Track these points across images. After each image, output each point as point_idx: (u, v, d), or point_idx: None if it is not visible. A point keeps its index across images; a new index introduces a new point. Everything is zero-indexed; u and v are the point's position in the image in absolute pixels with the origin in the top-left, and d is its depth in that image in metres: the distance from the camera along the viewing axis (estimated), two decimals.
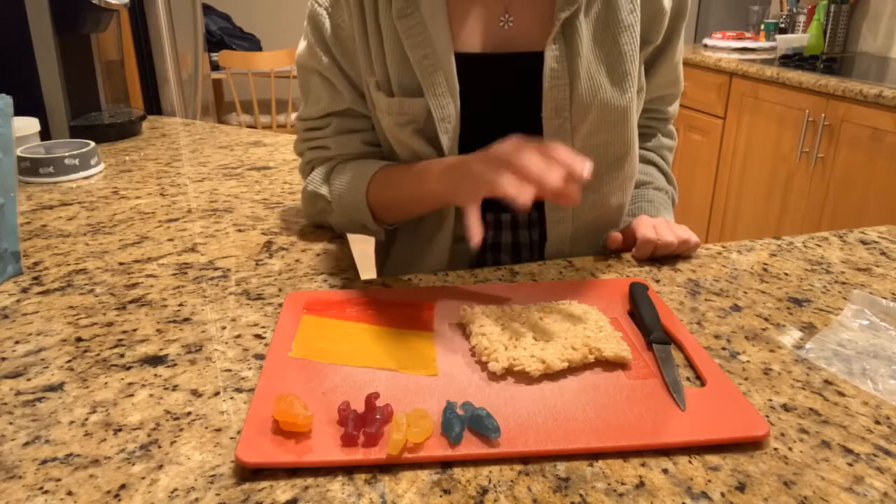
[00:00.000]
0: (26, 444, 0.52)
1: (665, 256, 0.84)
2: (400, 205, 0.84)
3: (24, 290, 0.77)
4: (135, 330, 0.68)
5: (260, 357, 0.63)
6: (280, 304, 0.73)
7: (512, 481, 0.47)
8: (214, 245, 0.90)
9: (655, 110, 0.98)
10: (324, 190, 0.88)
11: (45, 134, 1.40)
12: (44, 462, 0.50)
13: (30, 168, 1.20)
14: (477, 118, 0.81)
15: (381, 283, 0.78)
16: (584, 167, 0.62)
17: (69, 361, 0.63)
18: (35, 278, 0.80)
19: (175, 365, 0.62)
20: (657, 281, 0.79)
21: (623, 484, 0.47)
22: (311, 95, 0.89)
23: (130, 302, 0.74)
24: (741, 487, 0.47)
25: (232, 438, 0.52)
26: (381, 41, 0.80)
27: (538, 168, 0.62)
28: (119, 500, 0.46)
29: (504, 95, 0.82)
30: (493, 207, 0.86)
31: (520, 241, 0.89)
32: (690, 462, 0.49)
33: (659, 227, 0.84)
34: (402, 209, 0.85)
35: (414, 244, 0.92)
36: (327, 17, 0.83)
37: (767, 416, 0.54)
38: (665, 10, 0.82)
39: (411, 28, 0.78)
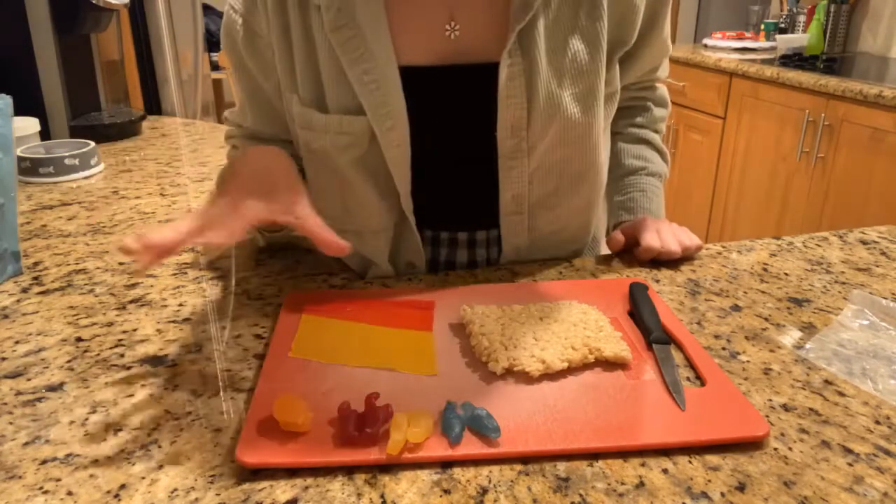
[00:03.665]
0: (26, 444, 0.52)
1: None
2: None
3: (24, 290, 0.77)
4: (135, 330, 0.68)
5: (260, 357, 0.63)
6: (280, 304, 0.73)
7: (512, 481, 0.47)
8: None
9: (645, 80, 0.92)
10: None
11: (45, 134, 1.40)
12: (44, 462, 0.50)
13: (30, 168, 1.20)
14: (428, 136, 0.74)
15: (382, 283, 0.78)
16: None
17: (69, 361, 0.63)
18: (35, 278, 0.80)
19: (175, 365, 0.62)
20: (657, 281, 0.79)
21: (623, 484, 0.47)
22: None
23: (130, 302, 0.74)
24: (741, 487, 0.47)
25: (232, 438, 0.52)
26: (313, 55, 0.73)
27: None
28: (119, 500, 0.46)
29: (455, 112, 0.75)
30: (449, 226, 0.82)
31: (476, 260, 0.84)
32: (690, 462, 0.49)
33: (663, 232, 0.83)
34: None
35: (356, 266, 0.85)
36: (242, 25, 0.75)
37: (767, 416, 0.54)
38: (636, 4, 0.75)
39: (348, 41, 0.70)
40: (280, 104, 0.79)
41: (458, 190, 0.81)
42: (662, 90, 0.96)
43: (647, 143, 0.94)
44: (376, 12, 0.70)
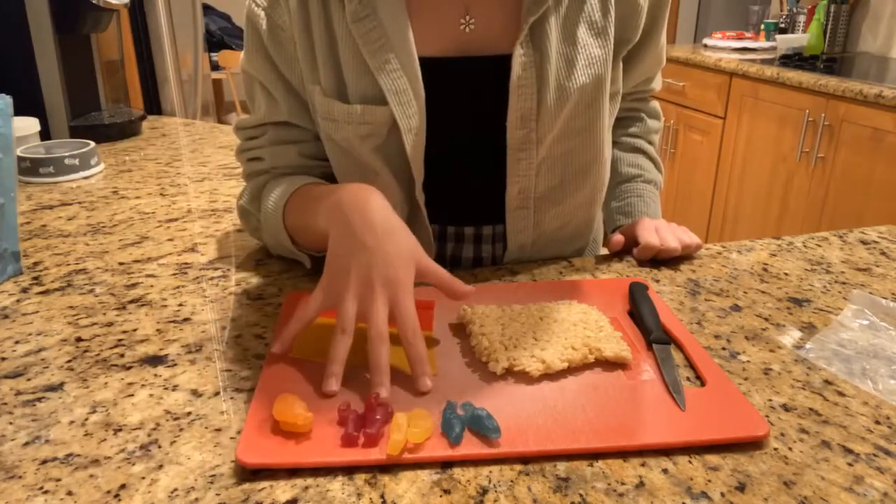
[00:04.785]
0: (26, 444, 0.52)
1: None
2: (305, 230, 0.75)
3: (24, 290, 0.77)
4: (135, 330, 0.68)
5: (260, 357, 0.63)
6: (280, 304, 0.73)
7: (512, 481, 0.47)
8: (214, 245, 0.90)
9: (639, 91, 0.94)
10: (253, 207, 0.83)
11: (45, 134, 1.40)
12: (44, 462, 0.50)
13: (30, 168, 1.20)
14: (441, 127, 0.76)
15: None
16: (425, 385, 0.56)
17: (69, 361, 0.63)
18: (35, 278, 0.80)
19: (175, 365, 0.62)
20: (657, 281, 0.79)
21: (623, 484, 0.47)
22: (254, 103, 0.84)
23: (130, 302, 0.74)
24: (741, 487, 0.47)
25: (232, 438, 0.52)
26: (334, 47, 0.75)
27: (378, 369, 0.56)
28: (119, 500, 0.46)
29: (468, 102, 0.78)
30: (456, 220, 0.84)
31: (482, 256, 0.85)
32: (690, 462, 0.49)
33: (661, 230, 0.83)
34: (307, 236, 0.75)
35: None
36: (265, 19, 0.76)
37: (767, 416, 0.54)
38: (640, 5, 0.78)
39: (369, 32, 0.72)
40: (305, 96, 0.80)
41: (466, 183, 0.82)
42: (655, 104, 0.99)
43: (642, 152, 0.96)
44: (397, 5, 0.73)
